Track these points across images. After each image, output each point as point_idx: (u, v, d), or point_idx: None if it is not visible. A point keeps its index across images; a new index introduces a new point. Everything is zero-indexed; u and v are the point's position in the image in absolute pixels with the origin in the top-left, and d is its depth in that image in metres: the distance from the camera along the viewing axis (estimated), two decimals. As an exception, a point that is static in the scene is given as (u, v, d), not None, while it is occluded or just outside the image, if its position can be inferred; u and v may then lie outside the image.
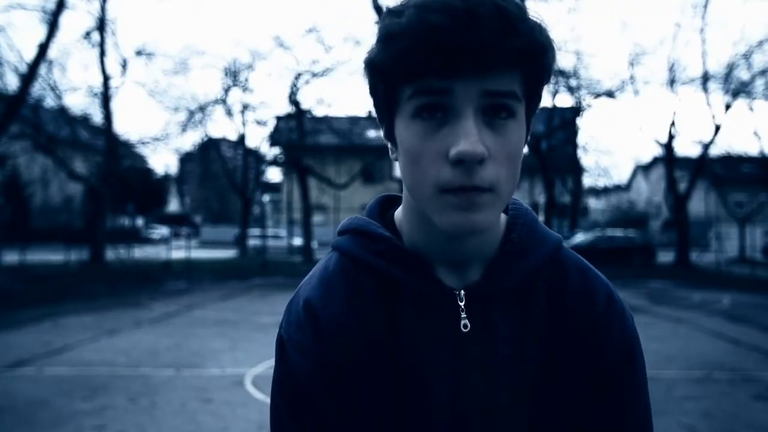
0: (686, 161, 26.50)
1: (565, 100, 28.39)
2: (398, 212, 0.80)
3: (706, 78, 22.78)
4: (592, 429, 0.77)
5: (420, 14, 0.62)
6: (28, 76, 16.85)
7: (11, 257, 18.39)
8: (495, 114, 0.65)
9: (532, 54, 0.64)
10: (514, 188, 0.69)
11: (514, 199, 0.81)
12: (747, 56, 21.64)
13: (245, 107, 26.25)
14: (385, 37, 0.65)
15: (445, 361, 0.73)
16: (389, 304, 0.75)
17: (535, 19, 0.65)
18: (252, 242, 29.09)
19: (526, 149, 0.71)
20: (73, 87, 24.78)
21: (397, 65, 0.65)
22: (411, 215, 0.76)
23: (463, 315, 0.73)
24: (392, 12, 0.65)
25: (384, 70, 0.67)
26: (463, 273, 0.75)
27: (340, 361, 0.74)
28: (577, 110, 25.48)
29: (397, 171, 0.78)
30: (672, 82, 23.13)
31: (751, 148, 34.15)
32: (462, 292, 0.74)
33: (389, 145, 0.75)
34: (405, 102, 0.67)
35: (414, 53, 0.62)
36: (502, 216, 0.79)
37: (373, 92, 0.72)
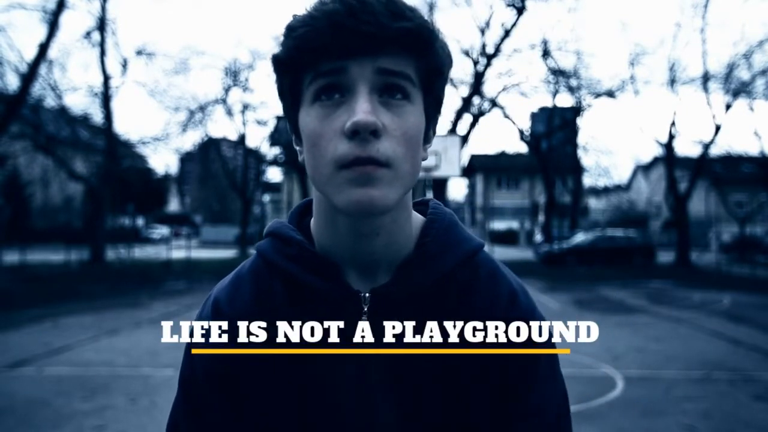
0: (686, 161, 26.49)
1: (565, 100, 28.42)
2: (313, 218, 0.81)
3: (706, 78, 22.78)
4: (496, 426, 0.76)
5: (317, 6, 0.67)
6: (29, 76, 16.87)
7: (11, 257, 18.37)
8: (390, 95, 0.67)
9: (420, 37, 0.67)
10: (414, 171, 0.69)
11: (436, 203, 0.82)
12: (747, 56, 21.64)
13: (245, 107, 26.33)
14: (286, 32, 0.69)
15: (350, 363, 0.74)
16: (299, 308, 0.75)
17: (423, 15, 0.68)
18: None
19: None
20: (73, 87, 24.61)
21: (296, 52, 0.67)
22: (320, 217, 0.76)
23: (364, 317, 0.74)
24: (295, 14, 0.69)
25: (286, 61, 0.69)
26: (373, 277, 0.75)
27: (242, 363, 0.75)
28: (577, 110, 25.51)
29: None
30: (672, 82, 23.14)
31: (751, 148, 34.13)
32: (367, 294, 0.74)
33: (298, 149, 0.75)
34: (306, 91, 0.69)
35: (311, 37, 0.66)
36: (418, 220, 0.79)
37: (281, 93, 0.74)
